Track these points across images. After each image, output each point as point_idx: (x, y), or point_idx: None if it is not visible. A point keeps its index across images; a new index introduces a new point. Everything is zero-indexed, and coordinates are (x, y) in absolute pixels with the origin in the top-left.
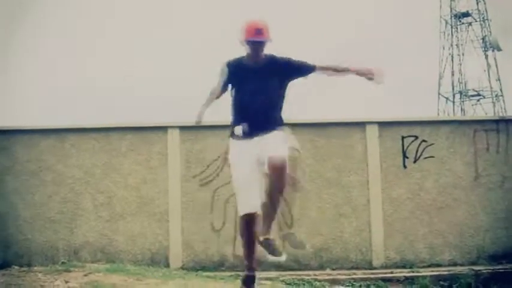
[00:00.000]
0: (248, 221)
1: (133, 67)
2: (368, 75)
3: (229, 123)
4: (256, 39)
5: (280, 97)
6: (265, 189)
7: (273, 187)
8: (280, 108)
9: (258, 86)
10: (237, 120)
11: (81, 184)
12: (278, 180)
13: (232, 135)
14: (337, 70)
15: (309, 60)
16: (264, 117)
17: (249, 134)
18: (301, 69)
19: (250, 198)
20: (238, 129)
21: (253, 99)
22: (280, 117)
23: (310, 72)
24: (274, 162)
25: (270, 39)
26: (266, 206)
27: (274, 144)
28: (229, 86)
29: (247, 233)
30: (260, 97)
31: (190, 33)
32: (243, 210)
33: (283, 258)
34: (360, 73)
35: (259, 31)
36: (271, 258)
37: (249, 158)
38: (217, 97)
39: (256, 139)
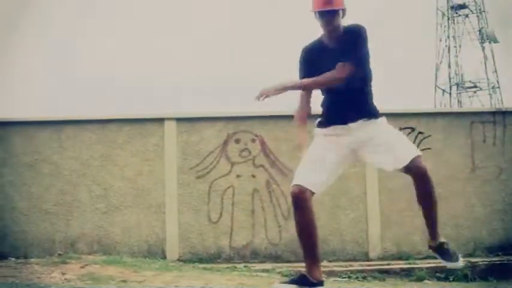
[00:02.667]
0: (297, 199)
1: (131, 58)
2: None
3: (225, 115)
4: (322, 9)
5: (367, 77)
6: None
7: (420, 191)
8: (369, 90)
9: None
10: (323, 108)
11: (78, 176)
12: (423, 184)
13: (318, 123)
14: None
15: None
16: (350, 103)
17: (338, 121)
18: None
19: (309, 174)
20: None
21: (338, 87)
22: (372, 103)
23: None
24: (419, 166)
25: (343, 7)
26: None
27: (397, 142)
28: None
29: (297, 216)
30: (346, 84)
31: (192, 23)
32: (294, 181)
33: (460, 264)
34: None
35: (328, 0)
36: (448, 265)
37: (336, 144)
38: (308, 94)
39: (351, 126)
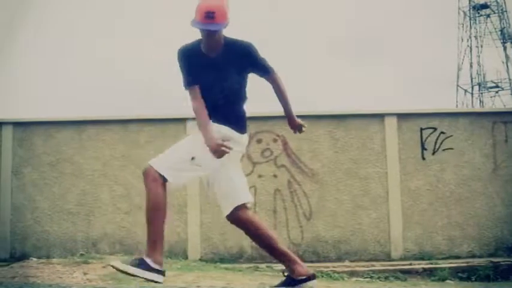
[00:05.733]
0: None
1: (153, 59)
2: (295, 127)
3: (247, 116)
4: (203, 28)
5: (242, 92)
6: None
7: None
8: (242, 104)
9: (216, 78)
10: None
11: (100, 176)
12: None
13: None
14: (281, 97)
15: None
16: (221, 113)
17: None
18: (257, 66)
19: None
20: None
21: (210, 92)
22: (242, 117)
23: (264, 74)
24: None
25: (225, 25)
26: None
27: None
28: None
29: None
30: (217, 90)
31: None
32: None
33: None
34: (290, 118)
35: (209, 15)
36: None
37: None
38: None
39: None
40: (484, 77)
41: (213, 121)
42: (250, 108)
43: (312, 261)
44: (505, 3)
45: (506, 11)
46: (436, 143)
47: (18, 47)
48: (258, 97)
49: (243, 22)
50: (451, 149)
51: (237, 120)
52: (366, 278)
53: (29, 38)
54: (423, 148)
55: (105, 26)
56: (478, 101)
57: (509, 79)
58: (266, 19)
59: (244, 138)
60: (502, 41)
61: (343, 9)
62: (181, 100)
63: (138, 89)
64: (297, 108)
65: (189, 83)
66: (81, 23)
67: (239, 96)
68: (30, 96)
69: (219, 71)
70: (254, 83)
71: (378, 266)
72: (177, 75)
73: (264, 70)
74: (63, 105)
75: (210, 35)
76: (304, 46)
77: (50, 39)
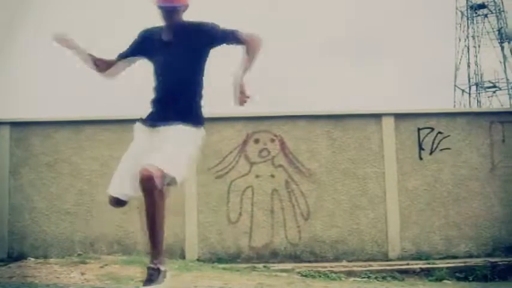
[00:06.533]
0: (115, 203)
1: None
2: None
3: (244, 116)
4: (162, 5)
5: (196, 80)
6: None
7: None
8: (196, 93)
9: (167, 63)
10: (151, 104)
11: (97, 176)
12: (149, 203)
13: (140, 119)
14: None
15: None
16: (171, 103)
17: (149, 122)
18: (219, 36)
19: (118, 184)
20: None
21: (161, 79)
22: (196, 108)
23: (231, 41)
24: (142, 177)
25: (184, 6)
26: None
27: (161, 149)
28: (137, 56)
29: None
30: (168, 77)
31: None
32: (111, 191)
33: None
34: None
35: None
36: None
37: (137, 148)
38: (109, 64)
39: (156, 130)
40: (481, 77)
41: (163, 119)
42: (246, 108)
43: (309, 261)
44: (502, 3)
45: (503, 11)
46: (433, 143)
47: (18, 47)
48: (254, 97)
49: (243, 22)
50: (449, 149)
51: (189, 112)
52: (364, 278)
53: (29, 38)
54: (421, 148)
55: (105, 26)
56: (476, 101)
57: (507, 79)
58: (266, 19)
59: (200, 132)
60: (499, 41)
61: (343, 9)
62: None
63: (136, 89)
64: (297, 108)
65: (120, 54)
66: (80, 23)
67: (192, 82)
68: (30, 97)
69: (171, 55)
70: (252, 83)
71: (376, 266)
72: None
73: (229, 38)
74: (63, 105)
75: (168, 14)
76: (305, 46)
77: (49, 39)
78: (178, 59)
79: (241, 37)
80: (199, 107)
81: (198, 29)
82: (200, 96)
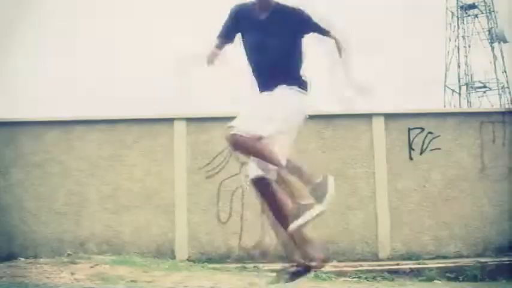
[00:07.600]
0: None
1: (139, 58)
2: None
3: (234, 115)
4: None
5: (293, 54)
6: None
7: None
8: (295, 64)
9: (263, 40)
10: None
11: (87, 176)
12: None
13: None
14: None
15: None
16: (271, 75)
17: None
18: (311, 27)
19: None
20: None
21: (258, 56)
22: (296, 73)
23: (322, 33)
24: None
25: None
26: None
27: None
28: (236, 35)
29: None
30: (265, 54)
31: (201, 22)
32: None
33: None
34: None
35: None
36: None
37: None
38: (220, 48)
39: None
40: (471, 77)
41: (264, 88)
42: (236, 108)
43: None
44: (492, 3)
45: (494, 11)
46: (423, 143)
47: (18, 46)
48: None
49: None
50: (439, 149)
51: (290, 81)
52: (354, 278)
53: (29, 38)
54: (411, 148)
55: (105, 26)
56: (466, 101)
57: (497, 79)
58: None
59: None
60: (489, 41)
61: (331, 7)
62: (169, 100)
63: (130, 89)
64: None
65: (218, 35)
66: (81, 22)
67: (288, 60)
68: (29, 96)
69: (268, 35)
70: (247, 82)
71: (366, 266)
72: (165, 76)
73: (319, 28)
74: (62, 105)
75: None
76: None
77: (50, 39)
78: (273, 38)
79: (326, 31)
80: (295, 73)
81: (294, 12)
82: (296, 67)
